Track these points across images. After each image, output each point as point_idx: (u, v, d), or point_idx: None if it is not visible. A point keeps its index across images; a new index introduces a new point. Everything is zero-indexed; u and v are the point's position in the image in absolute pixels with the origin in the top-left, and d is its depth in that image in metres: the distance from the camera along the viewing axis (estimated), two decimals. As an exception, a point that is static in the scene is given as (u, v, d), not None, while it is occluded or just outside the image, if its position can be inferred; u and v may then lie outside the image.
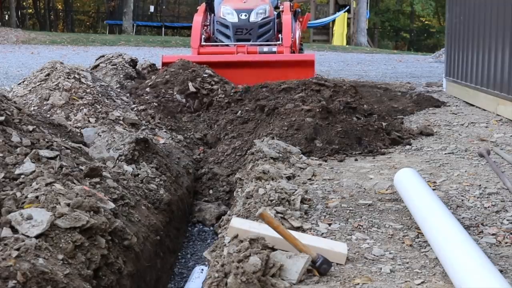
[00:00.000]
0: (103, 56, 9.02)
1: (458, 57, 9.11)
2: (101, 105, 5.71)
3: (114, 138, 4.88)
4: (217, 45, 9.70)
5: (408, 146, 5.58)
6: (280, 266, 2.65)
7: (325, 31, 30.21)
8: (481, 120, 6.89)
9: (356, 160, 5.11)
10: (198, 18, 9.65)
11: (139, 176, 4.41)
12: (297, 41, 10.04)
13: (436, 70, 15.58)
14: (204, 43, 9.53)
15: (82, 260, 2.80)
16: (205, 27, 9.83)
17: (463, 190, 4.09)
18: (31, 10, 43.33)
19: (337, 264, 2.85)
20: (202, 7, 10.06)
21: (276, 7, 10.32)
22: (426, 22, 43.12)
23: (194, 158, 5.94)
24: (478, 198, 3.90)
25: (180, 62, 7.84)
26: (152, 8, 37.38)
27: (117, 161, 4.45)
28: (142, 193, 4.19)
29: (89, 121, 5.41)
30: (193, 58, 8.61)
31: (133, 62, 8.84)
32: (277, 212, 3.40)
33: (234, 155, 5.85)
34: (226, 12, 9.68)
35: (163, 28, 32.96)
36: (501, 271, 2.63)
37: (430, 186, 3.98)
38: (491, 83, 7.45)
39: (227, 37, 9.68)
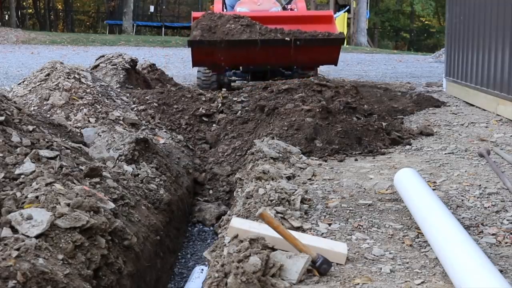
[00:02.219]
0: (103, 56, 9.00)
1: (458, 57, 9.11)
2: (101, 105, 5.71)
3: (114, 138, 4.88)
4: None
5: (408, 146, 5.58)
6: (280, 266, 2.65)
7: (325, 31, 30.13)
8: (481, 120, 6.89)
9: (356, 160, 5.11)
10: (218, 5, 10.70)
11: (139, 176, 4.41)
12: None
13: (436, 70, 15.58)
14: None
15: (82, 260, 2.80)
16: None
17: (463, 190, 4.09)
18: (31, 10, 43.34)
19: (337, 264, 2.85)
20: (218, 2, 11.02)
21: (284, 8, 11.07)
22: (426, 22, 43.13)
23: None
24: (478, 198, 3.90)
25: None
26: (152, 8, 37.40)
27: (117, 161, 4.45)
28: (142, 193, 4.19)
29: (89, 121, 5.41)
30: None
31: (133, 62, 8.83)
32: (277, 212, 3.40)
33: (234, 155, 5.86)
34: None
35: (163, 28, 32.98)
36: (501, 271, 2.63)
37: (430, 186, 3.98)
38: (491, 83, 7.44)
39: None
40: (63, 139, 4.33)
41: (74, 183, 3.39)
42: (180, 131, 6.42)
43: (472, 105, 8.08)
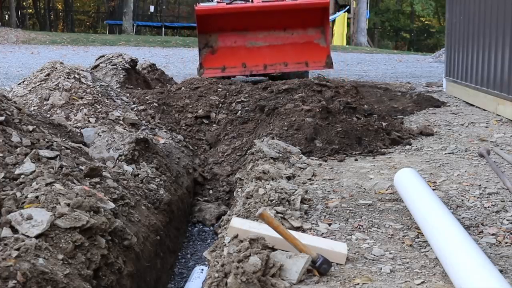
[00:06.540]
0: (103, 56, 9.00)
1: (458, 57, 9.11)
2: (101, 105, 5.70)
3: (114, 138, 4.88)
4: None
5: (408, 146, 5.58)
6: (280, 266, 2.65)
7: (325, 31, 30.10)
8: (481, 120, 6.89)
9: (356, 160, 5.11)
10: None
11: (139, 176, 4.41)
12: None
13: (436, 70, 15.59)
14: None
15: (82, 260, 2.80)
16: None
17: (463, 190, 4.09)
18: (31, 10, 43.36)
19: (337, 264, 2.85)
20: None
21: None
22: (426, 22, 43.14)
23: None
24: (478, 198, 3.90)
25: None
26: (152, 8, 37.40)
27: (117, 161, 4.45)
28: (142, 193, 4.19)
29: (89, 121, 5.40)
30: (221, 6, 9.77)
31: (133, 62, 8.82)
32: (277, 212, 3.40)
33: (234, 155, 5.86)
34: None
35: (163, 28, 32.97)
36: (501, 271, 2.63)
37: (430, 186, 3.98)
38: (491, 83, 7.44)
39: None
40: (63, 139, 4.33)
41: (74, 183, 3.39)
42: (180, 131, 6.42)
43: (472, 105, 8.08)
